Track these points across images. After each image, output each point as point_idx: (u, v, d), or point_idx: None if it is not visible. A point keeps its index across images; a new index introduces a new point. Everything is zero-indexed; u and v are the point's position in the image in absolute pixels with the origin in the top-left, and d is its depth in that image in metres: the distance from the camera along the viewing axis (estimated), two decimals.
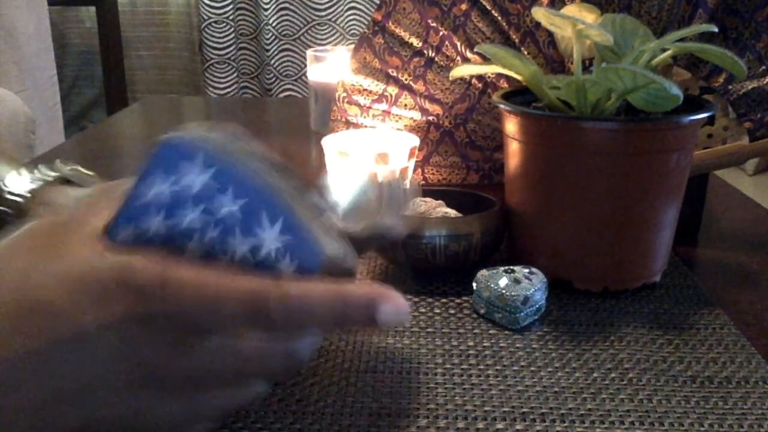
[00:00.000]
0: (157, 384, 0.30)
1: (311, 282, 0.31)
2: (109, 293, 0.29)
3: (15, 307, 0.29)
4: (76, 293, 0.29)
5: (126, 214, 0.32)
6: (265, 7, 2.21)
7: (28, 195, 0.48)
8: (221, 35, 2.22)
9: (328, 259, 0.33)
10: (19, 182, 0.48)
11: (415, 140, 0.68)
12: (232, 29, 2.23)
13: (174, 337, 0.30)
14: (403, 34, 0.74)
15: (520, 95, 0.57)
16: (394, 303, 0.31)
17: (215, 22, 2.21)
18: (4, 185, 0.48)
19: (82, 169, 0.51)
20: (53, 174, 0.50)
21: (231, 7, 2.22)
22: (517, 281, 0.49)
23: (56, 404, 0.29)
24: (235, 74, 2.27)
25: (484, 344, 0.47)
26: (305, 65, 2.11)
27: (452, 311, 0.51)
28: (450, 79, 0.74)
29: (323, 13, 2.25)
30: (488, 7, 0.72)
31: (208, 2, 2.19)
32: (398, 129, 0.76)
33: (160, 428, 0.32)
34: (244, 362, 0.31)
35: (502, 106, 0.53)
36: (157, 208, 0.32)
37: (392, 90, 0.75)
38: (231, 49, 2.24)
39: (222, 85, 2.26)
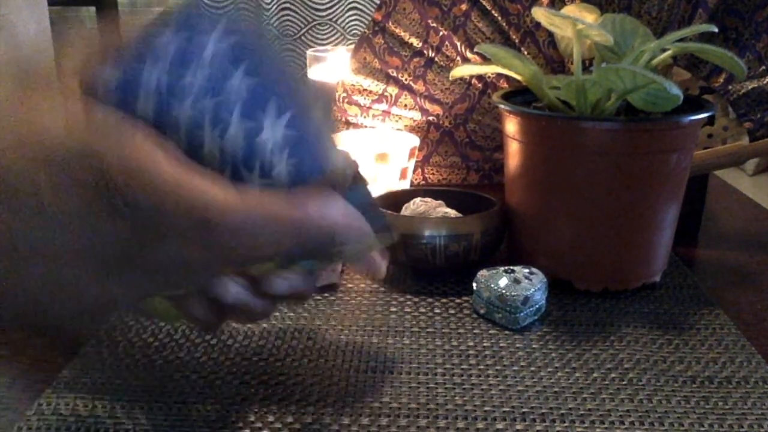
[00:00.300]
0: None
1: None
2: (70, 160, 0.27)
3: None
4: (37, 156, 0.27)
5: (119, 59, 0.29)
6: (267, 7, 2.22)
7: None
8: None
9: (329, 170, 0.31)
10: None
11: (415, 140, 0.68)
12: None
13: (126, 213, 0.28)
14: (403, 34, 0.74)
15: (520, 95, 0.57)
16: None
17: None
18: None
19: None
20: None
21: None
22: (517, 281, 0.49)
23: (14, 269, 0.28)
24: None
25: (484, 344, 0.47)
26: (306, 65, 2.11)
27: (452, 311, 0.51)
28: (450, 79, 0.74)
29: (324, 14, 2.25)
30: (488, 7, 0.72)
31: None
32: (398, 129, 0.76)
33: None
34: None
35: (502, 106, 0.53)
36: (155, 59, 0.29)
37: (392, 90, 0.75)
38: None
39: None
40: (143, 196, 0.27)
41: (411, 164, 0.67)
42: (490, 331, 0.48)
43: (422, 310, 0.51)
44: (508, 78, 0.72)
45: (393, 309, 0.51)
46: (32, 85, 0.29)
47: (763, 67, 0.67)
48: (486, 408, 0.40)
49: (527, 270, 0.50)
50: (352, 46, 0.76)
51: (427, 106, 0.75)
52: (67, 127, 0.27)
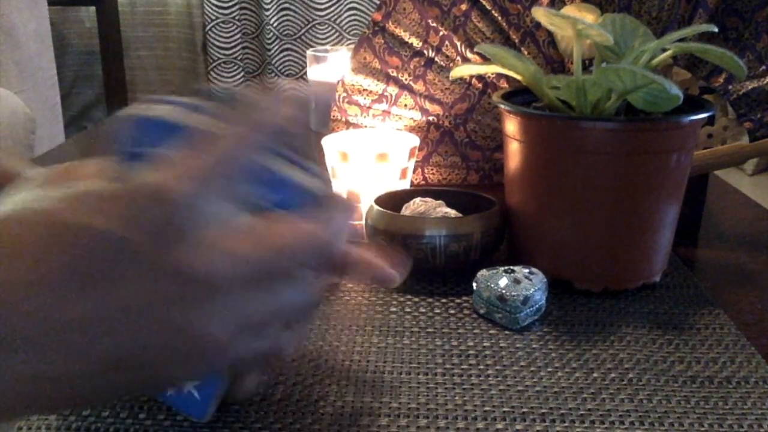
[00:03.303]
0: (197, 294, 0.29)
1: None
2: (143, 206, 0.28)
3: (47, 232, 0.27)
4: (108, 209, 0.28)
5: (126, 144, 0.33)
6: (266, 7, 2.22)
7: None
8: (228, 35, 2.23)
9: (313, 197, 0.34)
10: None
11: (415, 140, 0.68)
12: (238, 29, 2.24)
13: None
14: (403, 34, 0.74)
15: (520, 95, 0.57)
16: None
17: (223, 22, 2.21)
18: None
19: None
20: None
21: (236, 7, 2.22)
22: (517, 281, 0.49)
23: (95, 328, 0.27)
24: (241, 74, 2.27)
25: (484, 344, 0.47)
26: (306, 64, 2.11)
27: (452, 311, 0.51)
28: (450, 79, 0.74)
29: (323, 13, 2.25)
30: (488, 7, 0.72)
31: (215, 2, 2.19)
32: (398, 129, 0.76)
33: (204, 347, 0.30)
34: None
35: (502, 106, 0.53)
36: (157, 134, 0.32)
37: (392, 90, 0.75)
38: (237, 48, 2.24)
39: (228, 85, 2.26)
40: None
41: (411, 164, 0.67)
42: (490, 331, 0.48)
43: (422, 310, 0.51)
44: (508, 78, 0.72)
45: (393, 309, 0.51)
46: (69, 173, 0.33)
47: (763, 67, 0.67)
48: (486, 408, 0.40)
49: (527, 270, 0.50)
50: (351, 46, 0.76)
51: (427, 106, 0.75)
52: (125, 180, 0.29)
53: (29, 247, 0.27)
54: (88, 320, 0.27)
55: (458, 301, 0.53)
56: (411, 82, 0.75)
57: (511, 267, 0.50)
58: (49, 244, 0.27)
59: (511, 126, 0.53)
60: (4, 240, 0.28)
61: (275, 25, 2.24)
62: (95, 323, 0.27)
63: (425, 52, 0.74)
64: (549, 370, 0.44)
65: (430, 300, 0.53)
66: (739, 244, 0.65)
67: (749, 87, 0.67)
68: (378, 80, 0.75)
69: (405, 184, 0.67)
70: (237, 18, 2.22)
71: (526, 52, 0.72)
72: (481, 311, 0.50)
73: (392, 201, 0.59)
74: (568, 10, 0.61)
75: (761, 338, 0.48)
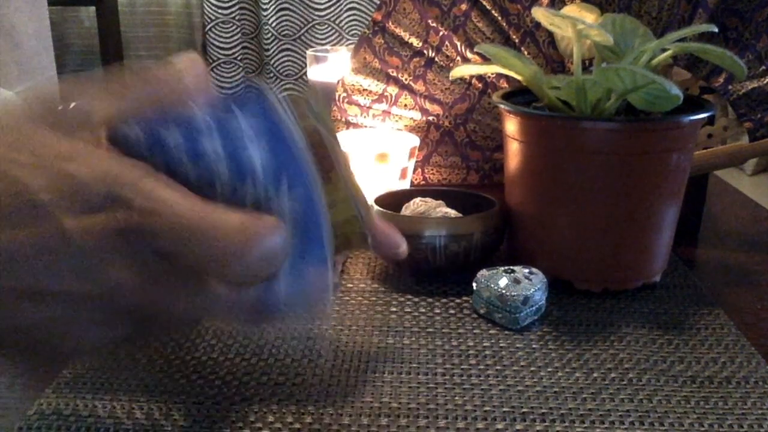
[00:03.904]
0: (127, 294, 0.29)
1: None
2: (97, 201, 0.28)
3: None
4: (64, 193, 0.28)
5: (146, 120, 0.31)
6: (264, 7, 2.22)
7: None
8: (228, 35, 2.23)
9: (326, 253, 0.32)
10: None
11: (415, 140, 0.68)
12: (238, 29, 2.24)
13: (148, 259, 0.29)
14: (403, 34, 0.74)
15: (520, 95, 0.57)
16: None
17: (222, 22, 2.21)
18: None
19: None
20: None
21: (236, 7, 2.22)
22: (517, 281, 0.49)
23: (22, 302, 0.28)
24: (241, 74, 2.27)
25: (484, 344, 0.47)
26: (305, 65, 2.11)
27: (452, 311, 0.51)
28: (450, 79, 0.74)
29: (323, 13, 2.25)
30: (488, 7, 0.72)
31: (215, 2, 2.19)
32: (398, 129, 0.76)
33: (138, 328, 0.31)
34: (212, 301, 0.30)
35: (502, 106, 0.53)
36: (178, 124, 0.30)
37: (392, 90, 0.75)
38: (236, 49, 2.24)
39: (229, 85, 2.26)
40: (169, 239, 0.28)
41: (411, 164, 0.67)
42: (490, 331, 0.48)
43: (422, 310, 0.51)
44: (508, 78, 0.72)
45: (393, 309, 0.51)
46: (65, 128, 0.30)
47: (763, 67, 0.67)
48: (486, 408, 0.40)
49: (527, 270, 0.50)
50: (351, 46, 0.76)
51: (427, 106, 0.75)
52: (96, 172, 0.28)
53: None
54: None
55: (458, 301, 0.53)
56: (411, 82, 0.75)
57: (511, 267, 0.50)
58: (11, 213, 0.27)
59: (511, 126, 0.53)
60: None
61: (274, 25, 2.24)
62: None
63: (425, 52, 0.74)
64: (549, 370, 0.44)
65: (430, 300, 0.53)
66: (739, 244, 0.65)
67: (749, 87, 0.67)
68: (378, 80, 0.75)
69: (405, 184, 0.67)
70: (236, 18, 2.22)
71: (526, 52, 0.72)
72: (481, 311, 0.50)
73: (392, 201, 0.59)
74: (568, 10, 0.61)
75: (761, 338, 0.48)
